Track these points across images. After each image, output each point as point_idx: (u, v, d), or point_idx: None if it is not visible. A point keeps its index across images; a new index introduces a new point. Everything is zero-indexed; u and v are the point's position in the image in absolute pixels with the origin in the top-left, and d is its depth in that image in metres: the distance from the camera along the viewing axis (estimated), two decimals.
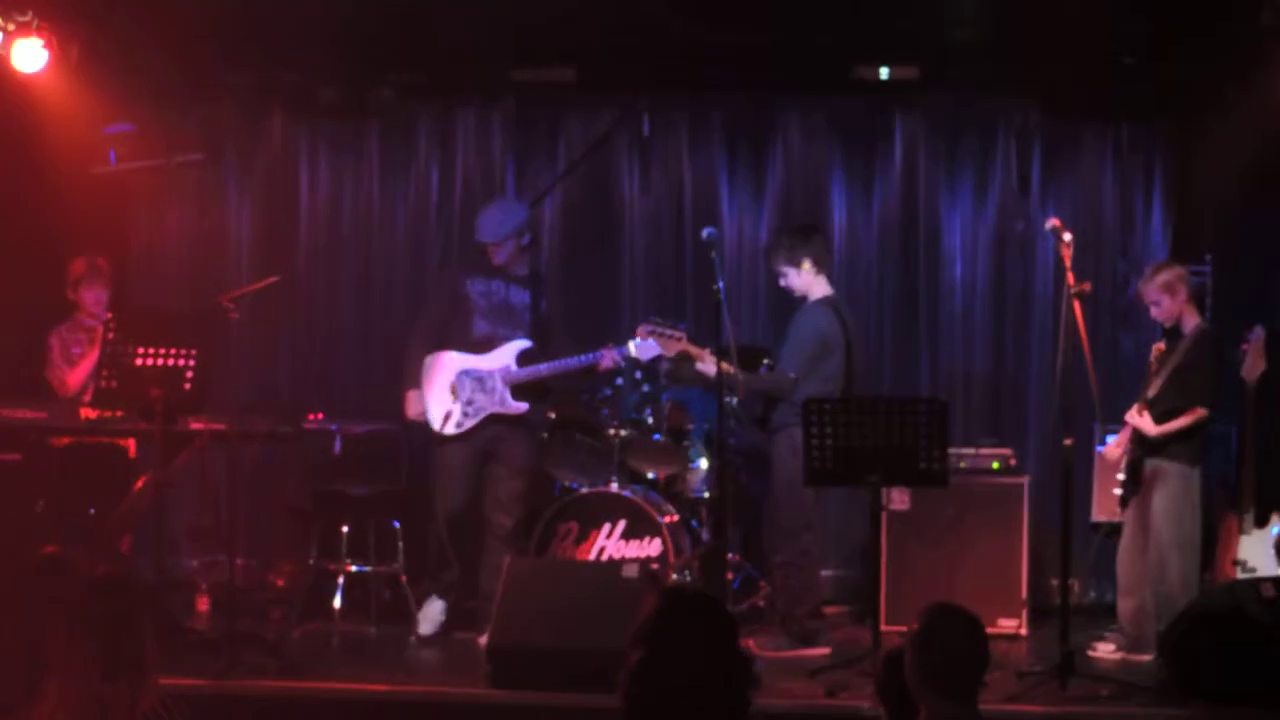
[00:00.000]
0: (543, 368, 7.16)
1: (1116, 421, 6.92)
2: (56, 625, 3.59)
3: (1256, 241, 7.94)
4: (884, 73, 8.26)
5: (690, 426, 7.70)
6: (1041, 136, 8.56)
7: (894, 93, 8.50)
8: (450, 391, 7.16)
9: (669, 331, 6.88)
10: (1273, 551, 6.59)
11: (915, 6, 7.62)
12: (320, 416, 7.89)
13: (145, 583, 6.06)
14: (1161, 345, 7.01)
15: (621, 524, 7.14)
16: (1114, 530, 7.12)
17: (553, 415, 7.66)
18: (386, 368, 7.97)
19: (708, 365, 6.73)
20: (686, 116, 8.78)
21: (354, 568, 7.57)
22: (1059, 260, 6.46)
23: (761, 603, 7.54)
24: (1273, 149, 7.34)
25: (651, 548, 7.09)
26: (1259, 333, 6.81)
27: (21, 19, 7.24)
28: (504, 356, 7.18)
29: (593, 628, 5.83)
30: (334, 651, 7.06)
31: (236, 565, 6.92)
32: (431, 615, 7.24)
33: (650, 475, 7.62)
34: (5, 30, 7.25)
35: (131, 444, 7.15)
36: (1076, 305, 6.21)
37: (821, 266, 7.14)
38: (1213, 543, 6.88)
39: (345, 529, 7.55)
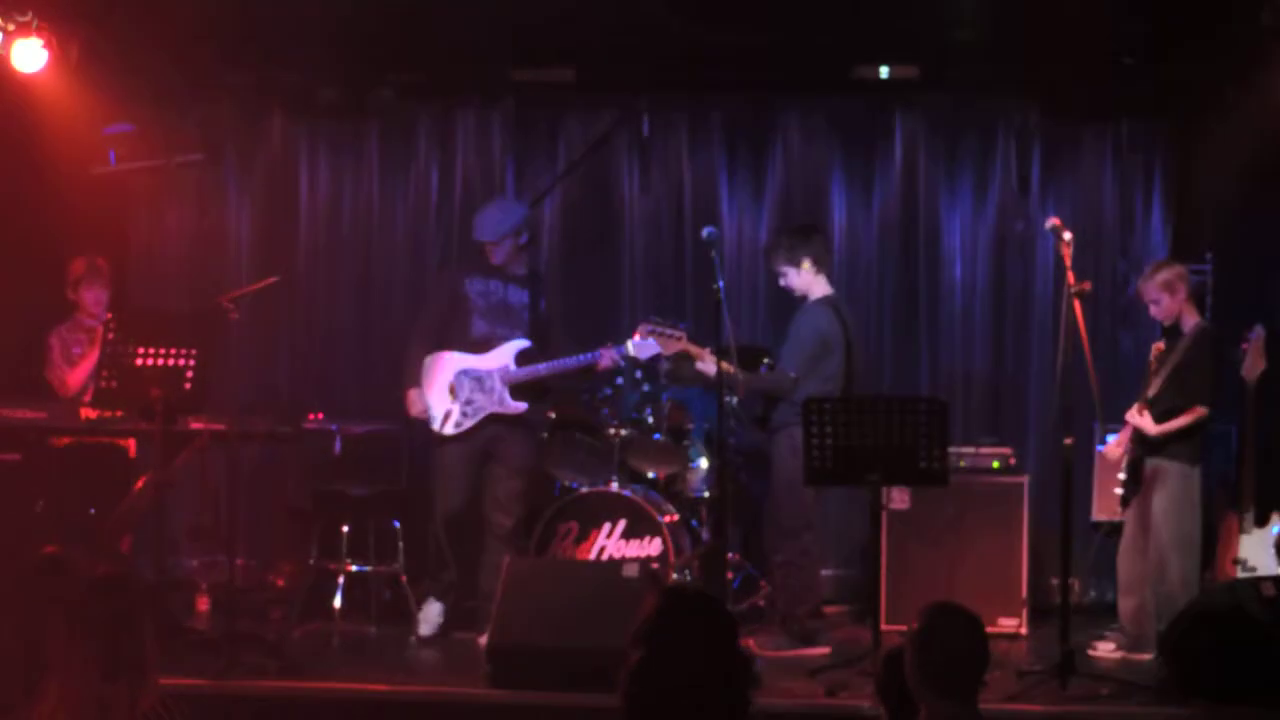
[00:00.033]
0: (541, 367, 7.16)
1: (1116, 421, 6.92)
2: (56, 625, 3.59)
3: (1256, 241, 7.94)
4: (884, 73, 8.27)
5: (690, 426, 7.70)
6: (1041, 136, 8.56)
7: (894, 93, 8.51)
8: (449, 391, 7.15)
9: (669, 331, 6.88)
10: (1273, 551, 6.59)
11: (915, 6, 7.61)
12: (320, 416, 7.88)
13: (145, 583, 6.05)
14: (1161, 344, 7.01)
15: (621, 523, 7.14)
16: (1114, 529, 7.13)
17: (552, 415, 7.65)
18: (386, 368, 7.96)
19: (708, 365, 6.73)
20: (686, 117, 8.77)
21: (354, 568, 7.57)
22: (1059, 260, 6.46)
23: (761, 602, 7.54)
24: (1273, 149, 7.34)
25: (651, 547, 7.09)
26: (1259, 332, 6.81)
27: (21, 19, 7.24)
28: (503, 356, 7.17)
29: (593, 627, 5.82)
30: (334, 651, 7.06)
31: (236, 565, 6.92)
32: (430, 617, 7.24)
33: (650, 475, 7.62)
34: (5, 30, 7.25)
35: (131, 444, 7.15)
36: (1076, 305, 6.20)
37: (821, 266, 7.14)
38: (1213, 542, 6.89)
39: (345, 529, 7.54)
